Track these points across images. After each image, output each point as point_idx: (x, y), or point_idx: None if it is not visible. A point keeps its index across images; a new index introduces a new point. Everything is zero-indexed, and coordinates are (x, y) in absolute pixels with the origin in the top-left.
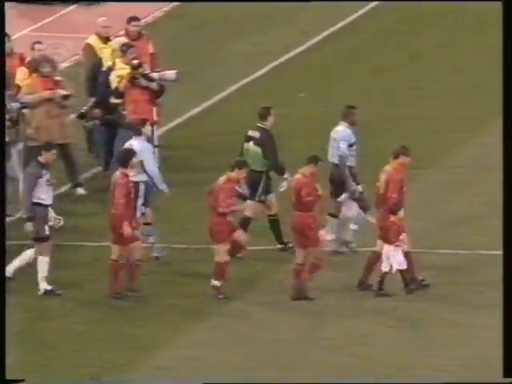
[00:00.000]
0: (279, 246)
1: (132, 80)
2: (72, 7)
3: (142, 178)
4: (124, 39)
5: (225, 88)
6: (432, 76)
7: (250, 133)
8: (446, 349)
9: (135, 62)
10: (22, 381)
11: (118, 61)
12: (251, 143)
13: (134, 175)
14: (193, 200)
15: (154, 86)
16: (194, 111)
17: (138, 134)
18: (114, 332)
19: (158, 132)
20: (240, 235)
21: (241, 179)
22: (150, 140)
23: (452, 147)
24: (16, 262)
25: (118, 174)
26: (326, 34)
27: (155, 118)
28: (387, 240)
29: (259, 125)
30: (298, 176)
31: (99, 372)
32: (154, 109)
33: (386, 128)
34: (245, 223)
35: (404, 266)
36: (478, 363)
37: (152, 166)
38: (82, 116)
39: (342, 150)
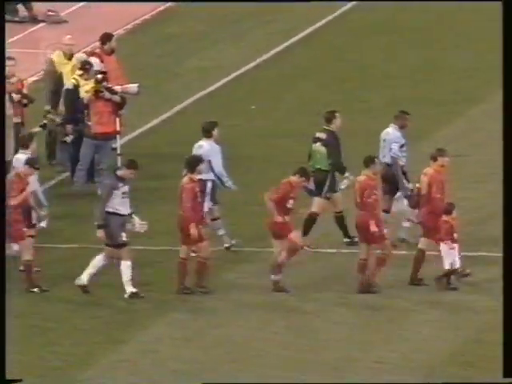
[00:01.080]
0: (347, 240)
1: (96, 93)
2: (41, 25)
3: (209, 176)
4: (83, 56)
5: (182, 101)
6: (377, 89)
7: (318, 134)
8: (387, 343)
9: (99, 76)
10: (20, 381)
11: (78, 77)
12: (318, 144)
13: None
14: (154, 205)
15: (116, 98)
16: (154, 122)
17: (208, 136)
18: (79, 328)
19: (120, 141)
20: (296, 235)
21: (299, 185)
22: (217, 142)
23: None
24: (89, 269)
25: (185, 178)
26: (277, 50)
27: (118, 129)
28: (440, 238)
29: (325, 127)
30: (362, 177)
31: (65, 366)
32: (117, 120)
33: None
34: (312, 218)
35: (458, 265)
36: (415, 356)
37: (219, 166)
38: (44, 126)
39: (394, 151)
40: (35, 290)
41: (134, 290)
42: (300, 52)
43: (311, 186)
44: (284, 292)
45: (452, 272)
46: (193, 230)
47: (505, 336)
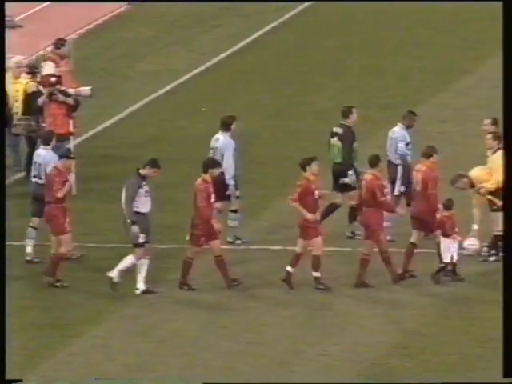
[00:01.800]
0: (349, 235)
1: (50, 96)
2: None
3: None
4: (19, 58)
5: (134, 103)
6: (321, 92)
7: (335, 129)
8: (331, 336)
9: (53, 79)
10: (20, 381)
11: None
12: (335, 138)
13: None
14: (107, 203)
15: (70, 100)
16: (107, 124)
17: (226, 130)
18: (36, 323)
19: (74, 142)
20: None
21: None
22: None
23: None
24: (119, 265)
25: (199, 179)
26: (225, 54)
27: (72, 130)
28: (444, 233)
29: (342, 122)
30: (369, 176)
31: (22, 360)
32: (71, 121)
33: (278, 138)
34: (332, 209)
35: (456, 259)
36: (357, 348)
37: (229, 161)
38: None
39: (401, 149)
40: (57, 284)
41: (146, 287)
42: (247, 56)
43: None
44: (325, 289)
45: (452, 265)
46: (216, 225)
47: (505, 336)
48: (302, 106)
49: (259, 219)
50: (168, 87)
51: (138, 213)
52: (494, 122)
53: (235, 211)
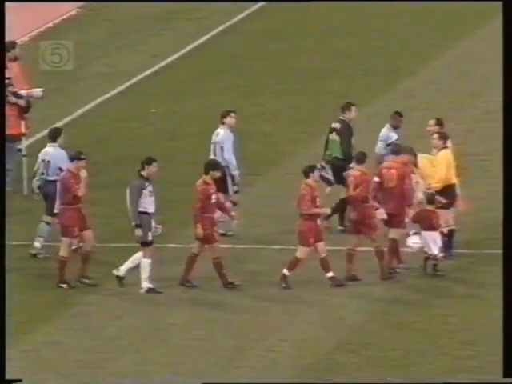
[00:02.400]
0: (340, 228)
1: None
2: None
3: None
4: None
5: (86, 104)
6: (270, 94)
7: (333, 125)
8: (278, 332)
9: (6, 81)
10: (20, 381)
11: None
12: (333, 134)
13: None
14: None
15: (22, 102)
16: (58, 124)
17: (222, 123)
18: None
19: (26, 142)
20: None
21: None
22: (233, 130)
23: (284, 157)
24: (128, 263)
25: (199, 180)
26: (175, 56)
27: (24, 131)
28: (431, 227)
29: (340, 117)
30: (356, 172)
31: None
32: (23, 122)
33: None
34: (344, 204)
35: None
36: (304, 344)
37: (229, 153)
38: None
39: (378, 149)
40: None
41: (151, 285)
42: (196, 59)
43: (329, 175)
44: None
45: (436, 258)
46: (198, 231)
47: (505, 336)
48: (250, 107)
49: None
50: (119, 89)
51: (145, 213)
52: (439, 123)
53: (234, 203)
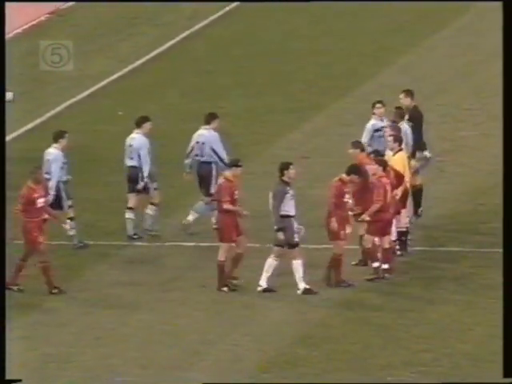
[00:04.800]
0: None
1: None
2: None
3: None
4: None
5: (55, 107)
6: (232, 97)
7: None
8: (241, 327)
9: None
10: (20, 381)
11: None
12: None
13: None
14: None
15: None
16: (29, 127)
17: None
18: None
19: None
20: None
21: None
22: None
23: (245, 158)
24: (266, 273)
25: (336, 178)
26: (141, 61)
27: None
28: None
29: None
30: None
31: None
32: None
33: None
34: (419, 190)
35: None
36: (267, 339)
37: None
38: None
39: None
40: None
41: (307, 286)
42: (162, 63)
43: None
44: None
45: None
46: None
47: (505, 336)
48: (212, 110)
49: (171, 217)
50: (87, 92)
51: (288, 216)
52: (394, 125)
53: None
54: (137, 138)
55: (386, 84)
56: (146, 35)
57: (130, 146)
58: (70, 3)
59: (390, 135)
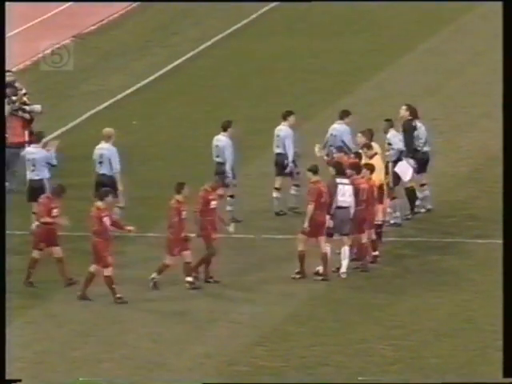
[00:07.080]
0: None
1: (12, 112)
2: None
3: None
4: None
5: (77, 118)
6: (232, 108)
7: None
8: (236, 306)
9: (14, 98)
10: (20, 381)
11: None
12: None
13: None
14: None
15: (26, 116)
16: (55, 134)
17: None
18: None
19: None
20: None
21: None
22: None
23: (246, 160)
24: (345, 261)
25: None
26: (153, 77)
27: (27, 139)
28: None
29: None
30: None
31: None
32: (26, 132)
33: (199, 147)
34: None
35: None
36: (259, 317)
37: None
38: None
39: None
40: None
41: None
42: (171, 79)
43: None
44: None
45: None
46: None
47: (505, 336)
48: (214, 118)
49: None
50: (105, 104)
51: (340, 207)
52: (367, 135)
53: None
54: (283, 130)
55: (362, 98)
56: (157, 55)
57: (278, 136)
58: (92, 27)
59: (363, 145)
